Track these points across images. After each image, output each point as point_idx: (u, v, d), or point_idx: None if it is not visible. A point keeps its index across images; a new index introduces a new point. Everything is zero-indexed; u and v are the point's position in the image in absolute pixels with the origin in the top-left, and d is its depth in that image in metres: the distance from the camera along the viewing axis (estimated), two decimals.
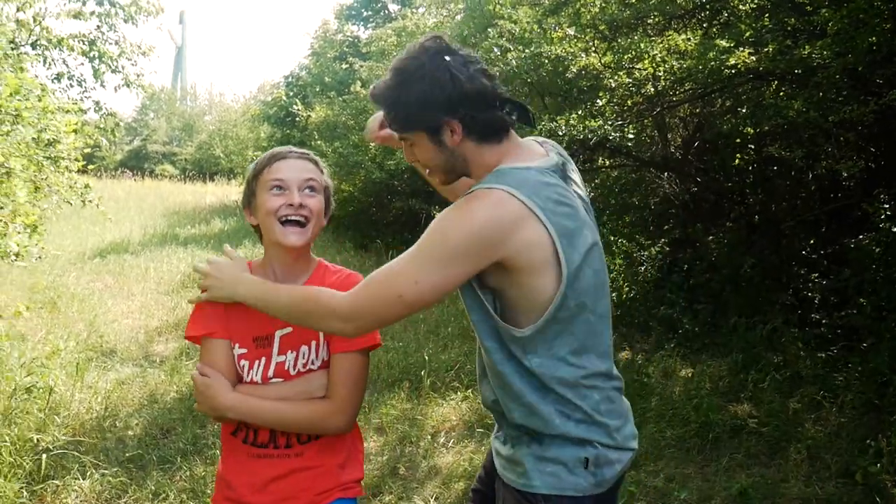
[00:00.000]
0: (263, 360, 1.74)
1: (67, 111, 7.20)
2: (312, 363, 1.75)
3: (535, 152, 1.61)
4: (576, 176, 1.68)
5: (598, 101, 6.14)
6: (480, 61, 1.56)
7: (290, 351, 1.74)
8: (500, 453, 1.68)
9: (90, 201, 7.23)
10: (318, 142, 13.58)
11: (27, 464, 3.53)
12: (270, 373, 1.74)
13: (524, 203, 1.45)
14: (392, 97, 1.54)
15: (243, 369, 1.75)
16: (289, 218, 1.69)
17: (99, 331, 6.29)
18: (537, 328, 1.50)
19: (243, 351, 1.75)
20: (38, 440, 3.82)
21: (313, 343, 1.75)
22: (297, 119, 16.40)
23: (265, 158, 1.76)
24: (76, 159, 7.23)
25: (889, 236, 4.79)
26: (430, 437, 4.25)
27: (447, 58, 1.51)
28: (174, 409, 4.64)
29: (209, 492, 3.38)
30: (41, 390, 4.33)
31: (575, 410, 1.54)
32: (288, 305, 1.62)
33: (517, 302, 1.52)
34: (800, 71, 5.18)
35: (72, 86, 9.44)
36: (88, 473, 3.56)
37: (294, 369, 1.74)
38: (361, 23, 21.17)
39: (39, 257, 6.86)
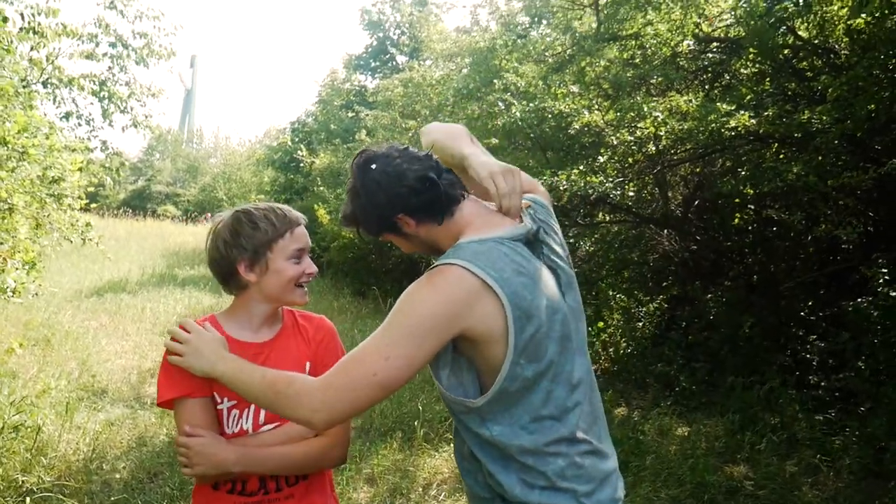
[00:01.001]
0: (253, 406, 1.72)
1: (74, 150, 7.27)
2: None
3: (494, 223, 1.65)
4: (553, 238, 1.72)
5: (600, 157, 6.21)
6: (408, 150, 1.68)
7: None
8: None
9: (90, 239, 7.24)
10: (321, 188, 13.70)
11: None
12: (262, 419, 1.73)
13: (479, 276, 1.49)
14: (351, 217, 1.72)
15: (234, 419, 1.73)
16: (302, 282, 1.77)
17: (91, 370, 6.24)
18: (488, 398, 1.53)
19: (232, 402, 1.72)
20: (22, 481, 3.75)
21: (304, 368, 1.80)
22: (301, 165, 16.56)
23: (281, 224, 1.75)
24: (79, 197, 7.28)
25: (888, 300, 4.78)
26: (421, 489, 4.18)
27: (373, 166, 1.64)
28: (163, 452, 4.58)
29: None
30: (29, 429, 4.28)
31: (537, 478, 1.54)
32: (262, 389, 1.57)
33: (481, 371, 1.55)
34: (799, 135, 5.25)
35: (80, 124, 9.54)
36: None
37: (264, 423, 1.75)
38: (369, 73, 21.56)
39: (36, 294, 6.84)
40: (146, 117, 9.90)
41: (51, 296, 9.07)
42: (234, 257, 1.74)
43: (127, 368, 6.63)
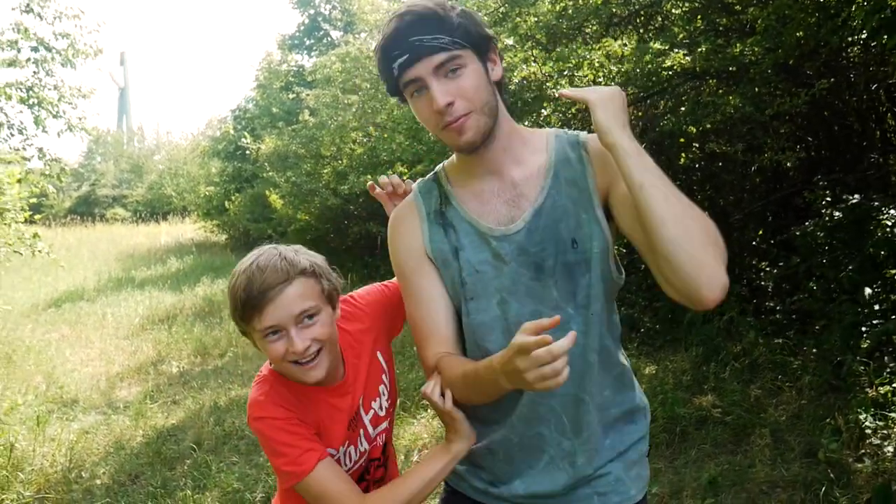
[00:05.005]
0: (361, 432, 1.66)
1: (9, 161, 7.08)
2: (386, 399, 1.71)
3: None
4: None
5: (544, 111, 6.24)
6: None
7: (372, 401, 1.67)
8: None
9: (40, 251, 7.09)
10: (270, 173, 13.54)
11: None
12: (372, 432, 1.68)
13: None
14: (447, 6, 1.33)
15: (345, 457, 1.62)
16: (299, 361, 1.46)
17: (58, 382, 6.15)
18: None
19: (342, 446, 1.62)
20: (1, 500, 3.72)
21: (383, 378, 1.71)
22: (247, 152, 16.32)
23: (247, 302, 1.42)
24: (22, 209, 7.11)
25: (832, 220, 4.94)
26: (403, 456, 4.25)
27: None
28: (141, 453, 4.56)
29: None
30: (1, 448, 4.22)
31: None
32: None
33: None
34: (734, 68, 5.35)
35: (12, 135, 9.24)
36: None
37: (382, 410, 1.69)
38: (305, 51, 21.18)
39: None
40: (80, 119, 9.64)
41: (6, 313, 8.87)
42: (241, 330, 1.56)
43: (95, 375, 6.55)
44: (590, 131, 1.38)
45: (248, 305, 1.41)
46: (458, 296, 1.42)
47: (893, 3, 3.68)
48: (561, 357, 1.06)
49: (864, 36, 4.87)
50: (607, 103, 1.27)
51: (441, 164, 1.52)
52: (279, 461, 1.47)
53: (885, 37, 3.85)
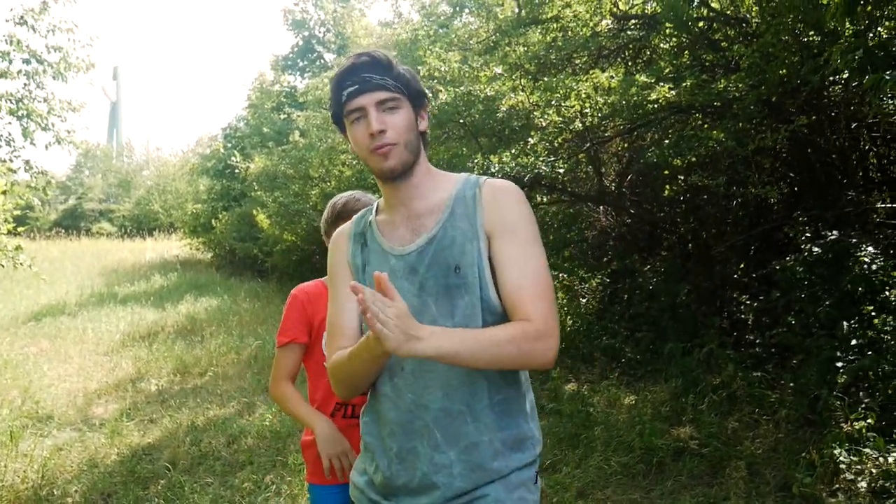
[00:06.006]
0: None
1: None
2: None
3: None
4: None
5: (530, 139, 6.30)
6: None
7: None
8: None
9: (21, 263, 7.05)
10: (259, 192, 13.55)
11: None
12: None
13: None
14: (397, 61, 1.62)
15: None
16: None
17: (34, 397, 6.09)
18: None
19: None
20: None
21: None
22: (236, 171, 16.33)
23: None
24: (6, 221, 7.07)
25: (811, 256, 5.00)
26: None
27: None
28: (115, 472, 4.51)
29: None
30: None
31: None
32: (495, 356, 1.45)
33: None
34: (718, 103, 5.44)
35: (0, 146, 9.23)
36: None
37: None
38: (297, 73, 21.33)
39: None
40: (69, 133, 9.63)
41: None
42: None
43: (72, 392, 6.48)
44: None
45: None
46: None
47: (869, 44, 3.77)
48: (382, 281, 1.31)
49: (845, 76, 4.97)
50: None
51: (377, 200, 1.81)
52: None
53: (865, 77, 3.93)
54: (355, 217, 1.79)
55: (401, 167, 1.57)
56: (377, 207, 1.74)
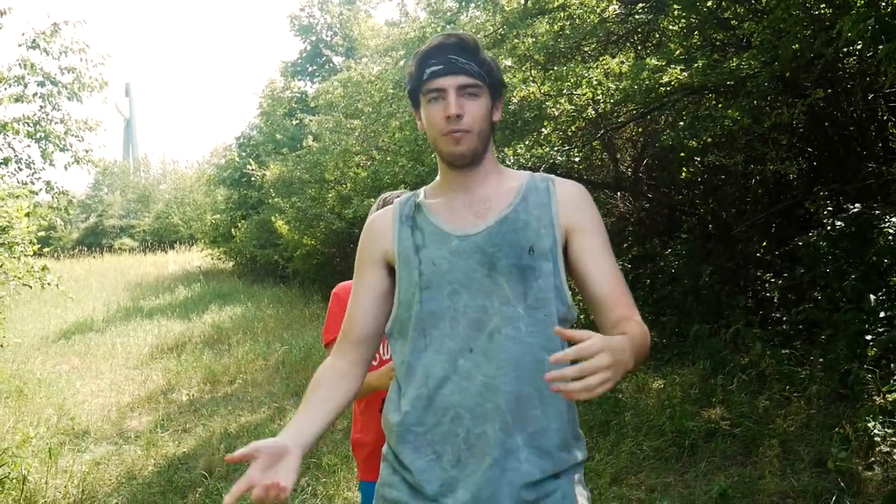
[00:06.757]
0: None
1: (18, 196, 7.15)
2: None
3: None
4: None
5: (544, 129, 6.30)
6: None
7: None
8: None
9: (49, 283, 7.15)
10: (276, 199, 13.63)
11: None
12: None
13: None
14: (483, 48, 1.59)
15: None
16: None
17: (69, 413, 6.18)
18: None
19: None
20: None
21: None
22: (253, 179, 16.43)
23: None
24: (31, 242, 7.18)
25: (834, 230, 4.96)
26: None
27: None
28: (153, 482, 4.58)
29: None
30: (14, 481, 4.25)
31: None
32: (643, 357, 1.44)
33: None
34: (731, 82, 5.40)
35: (20, 169, 9.32)
36: None
37: None
38: (307, 78, 21.41)
39: (0, 346, 6.74)
40: (87, 152, 9.72)
41: (16, 346, 8.93)
42: None
43: (106, 406, 6.58)
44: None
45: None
46: (413, 288, 1.54)
47: (882, 12, 3.72)
48: None
49: (859, 46, 4.91)
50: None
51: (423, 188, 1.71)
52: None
53: (880, 46, 3.89)
54: (397, 202, 1.69)
55: (470, 154, 1.53)
56: (424, 192, 1.67)
